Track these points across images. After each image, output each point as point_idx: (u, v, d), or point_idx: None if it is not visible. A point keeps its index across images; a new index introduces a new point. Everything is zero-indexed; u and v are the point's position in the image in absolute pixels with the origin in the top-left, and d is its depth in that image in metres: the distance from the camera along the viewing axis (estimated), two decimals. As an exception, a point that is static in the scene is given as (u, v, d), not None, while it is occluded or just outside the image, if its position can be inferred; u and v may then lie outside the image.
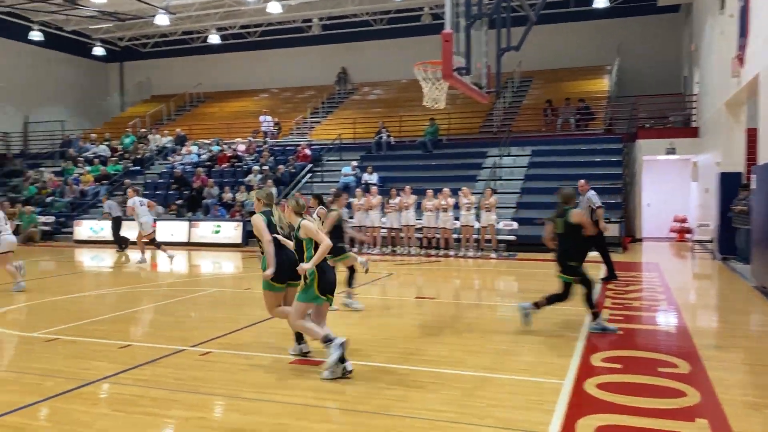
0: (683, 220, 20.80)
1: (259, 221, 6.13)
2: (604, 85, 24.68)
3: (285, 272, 6.06)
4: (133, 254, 16.47)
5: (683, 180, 21.10)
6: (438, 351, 6.63)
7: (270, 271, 6.01)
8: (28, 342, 7.08)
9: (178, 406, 4.96)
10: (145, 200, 15.65)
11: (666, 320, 8.35)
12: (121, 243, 17.93)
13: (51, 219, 21.97)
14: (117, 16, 27.21)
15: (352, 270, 8.95)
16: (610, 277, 11.36)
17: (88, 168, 25.06)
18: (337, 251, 8.24)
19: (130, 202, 15.29)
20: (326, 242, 5.68)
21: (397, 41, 28.52)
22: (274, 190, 20.50)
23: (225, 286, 12.32)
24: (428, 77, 8.59)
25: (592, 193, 11.49)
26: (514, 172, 20.03)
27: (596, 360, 6.26)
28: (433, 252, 16.48)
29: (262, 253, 6.15)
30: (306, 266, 5.66)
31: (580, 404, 4.96)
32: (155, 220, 16.61)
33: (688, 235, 20.02)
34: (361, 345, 6.88)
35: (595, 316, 7.54)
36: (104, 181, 23.99)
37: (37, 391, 5.29)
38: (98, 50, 31.46)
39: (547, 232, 7.79)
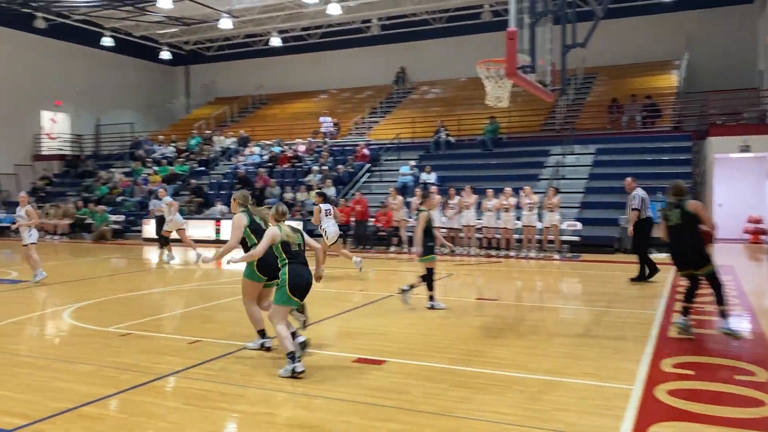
0: (758, 221, 19.84)
1: (241, 220, 6.62)
2: (672, 80, 23.83)
3: (269, 268, 6.38)
4: (181, 253, 16.95)
5: (758, 179, 20.14)
6: (500, 353, 6.57)
7: (239, 256, 6.43)
8: (104, 336, 7.41)
9: (246, 402, 5.10)
10: (175, 202, 16.43)
11: (741, 326, 8.00)
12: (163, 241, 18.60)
13: (121, 218, 22.91)
14: (183, 21, 28.11)
15: (431, 272, 8.98)
16: (640, 278, 11.31)
17: (156, 168, 26.00)
18: (427, 251, 8.61)
19: (152, 205, 16.21)
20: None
21: (456, 39, 28.36)
22: (332, 189, 20.76)
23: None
24: (491, 75, 8.52)
25: (636, 192, 11.40)
26: (577, 171, 19.61)
27: (666, 366, 6.06)
28: (493, 253, 16.31)
29: (249, 248, 6.57)
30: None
31: (652, 411, 4.83)
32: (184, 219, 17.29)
33: (763, 237, 19.11)
34: (423, 346, 6.90)
35: (724, 315, 7.17)
36: (175, 182, 24.82)
37: (113, 384, 5.54)
38: (165, 54, 32.59)
39: (662, 231, 7.54)
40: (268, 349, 6.60)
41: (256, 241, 6.46)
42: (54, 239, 22.18)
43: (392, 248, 17.30)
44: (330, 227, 12.17)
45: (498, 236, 16.41)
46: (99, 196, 24.57)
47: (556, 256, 15.51)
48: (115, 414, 4.90)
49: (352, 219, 17.89)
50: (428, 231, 8.84)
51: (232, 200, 6.94)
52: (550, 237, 15.90)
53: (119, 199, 24.31)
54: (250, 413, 4.87)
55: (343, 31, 30.45)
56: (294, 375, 5.63)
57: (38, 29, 27.23)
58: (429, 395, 5.19)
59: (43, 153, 30.01)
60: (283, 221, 6.16)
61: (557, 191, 16.12)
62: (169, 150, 27.84)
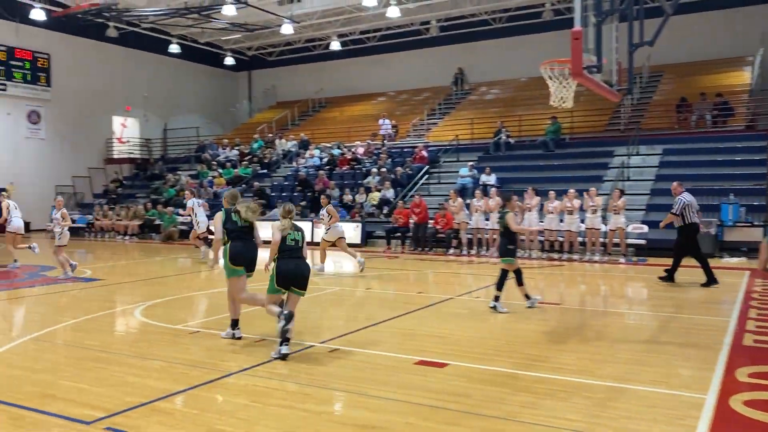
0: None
1: (217, 218, 7.20)
2: (744, 77, 22.81)
3: (240, 258, 7.07)
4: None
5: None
6: (565, 359, 6.45)
7: (211, 254, 7.58)
8: (174, 334, 7.68)
9: (311, 401, 5.19)
10: (202, 201, 17.16)
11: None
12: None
13: (188, 219, 23.60)
14: (246, 27, 28.83)
15: (505, 273, 9.00)
16: (709, 282, 11.10)
17: (220, 171, 26.74)
18: (507, 253, 8.74)
19: (189, 203, 16.46)
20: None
21: (516, 39, 28.04)
22: (391, 191, 20.84)
23: (346, 285, 12.68)
24: (555, 76, 8.38)
25: (681, 197, 11.40)
26: (643, 173, 19.02)
27: (742, 375, 5.82)
28: (555, 256, 16.01)
29: (225, 244, 7.12)
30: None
31: (727, 421, 4.65)
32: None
33: None
34: (485, 349, 6.85)
35: None
36: (240, 184, 25.48)
37: (184, 380, 5.74)
38: (229, 60, 33.52)
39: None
40: (239, 338, 7.19)
41: (227, 238, 7.12)
42: (125, 240, 23.10)
43: (451, 250, 17.21)
44: (333, 227, 13.23)
45: (561, 239, 16.10)
46: (167, 198, 25.44)
47: (622, 260, 15.10)
48: (187, 409, 5.07)
49: (412, 221, 17.90)
50: (508, 233, 8.89)
51: (223, 199, 7.57)
52: (616, 240, 15.49)
53: (185, 201, 25.10)
54: (316, 412, 4.95)
55: (401, 33, 30.57)
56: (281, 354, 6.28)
57: (110, 38, 28.48)
58: (492, 399, 5.16)
59: (114, 156, 31.35)
60: (290, 218, 6.71)
61: (622, 193, 15.69)
62: (233, 153, 28.59)
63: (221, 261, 7.35)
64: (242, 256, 7.08)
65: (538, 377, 5.81)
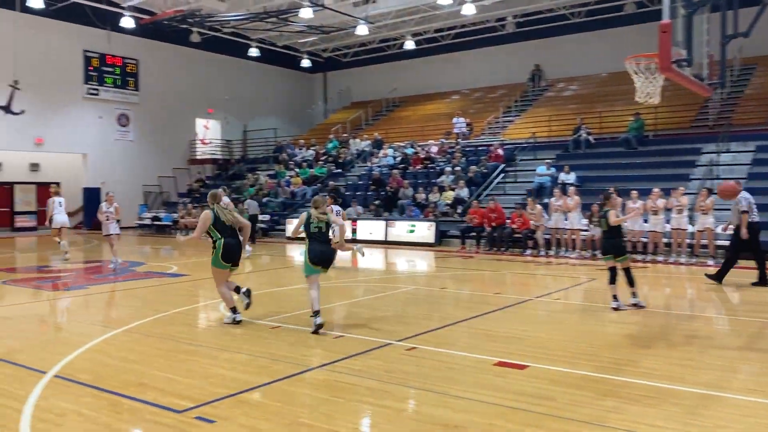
0: None
1: (205, 217, 7.98)
2: None
3: (232, 255, 7.98)
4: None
5: None
6: (651, 363, 6.23)
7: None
8: (256, 328, 7.93)
9: (391, 398, 5.24)
10: (230, 202, 17.72)
11: None
12: (254, 238, 20.50)
13: (266, 217, 24.31)
14: (322, 30, 29.35)
15: (612, 271, 9.13)
16: (761, 282, 10.87)
17: (297, 171, 27.35)
18: (619, 250, 8.98)
19: (223, 200, 17.06)
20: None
21: (596, 34, 27.29)
22: (465, 191, 20.70)
23: (420, 284, 12.70)
24: (641, 71, 8.08)
25: (742, 195, 11.15)
26: (734, 171, 18.03)
27: None
28: (638, 257, 15.44)
29: (213, 241, 7.98)
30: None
31: (833, 436, 4.36)
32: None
33: None
34: (567, 352, 6.70)
35: None
36: (314, 184, 25.99)
37: (267, 373, 5.91)
38: (305, 62, 34.25)
39: None
40: (239, 323, 8.02)
41: (219, 236, 7.94)
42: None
43: (528, 251, 16.91)
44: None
45: (644, 240, 15.50)
46: (247, 198, 26.22)
47: (710, 262, 14.38)
48: (271, 402, 5.21)
49: (487, 223, 17.68)
50: (617, 230, 9.02)
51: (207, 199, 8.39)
52: (704, 241, 14.78)
53: (265, 200, 25.83)
54: (397, 409, 4.99)
55: (476, 30, 30.30)
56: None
57: (193, 43, 29.69)
58: (576, 403, 5.04)
59: (198, 157, 32.63)
60: (318, 209, 7.78)
61: (710, 192, 14.95)
62: (309, 153, 29.17)
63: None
64: (233, 253, 8.01)
65: (623, 381, 5.63)
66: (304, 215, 7.80)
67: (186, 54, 30.83)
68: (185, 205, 26.47)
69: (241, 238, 8.19)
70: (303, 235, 7.84)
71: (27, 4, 24.20)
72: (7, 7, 24.82)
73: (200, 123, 33.14)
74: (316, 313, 7.47)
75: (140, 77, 29.83)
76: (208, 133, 33.65)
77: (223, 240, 7.90)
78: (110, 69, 28.79)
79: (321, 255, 7.71)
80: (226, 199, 17.37)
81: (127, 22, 26.55)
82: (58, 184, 21.57)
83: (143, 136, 29.97)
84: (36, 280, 12.74)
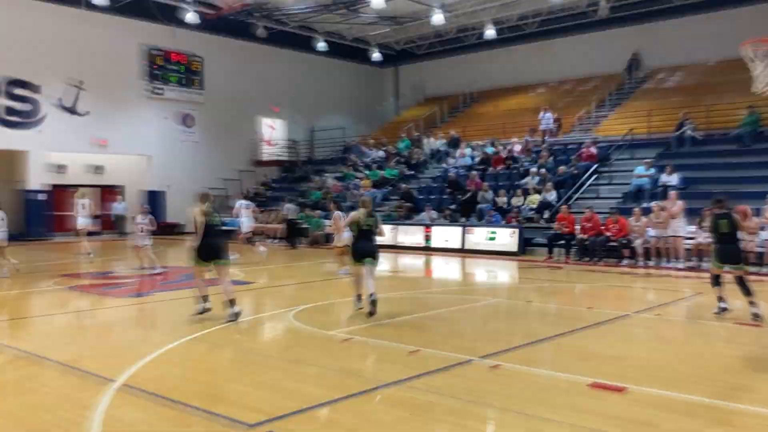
0: None
1: (197, 213, 9.08)
2: None
3: (210, 252, 9.13)
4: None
5: None
6: (772, 389, 5.96)
7: (188, 244, 9.75)
8: (326, 339, 8.10)
9: (474, 419, 5.24)
10: (251, 204, 19.73)
11: None
12: (294, 243, 22.41)
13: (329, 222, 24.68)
14: (395, 20, 29.61)
15: (715, 278, 9.41)
16: None
17: (366, 173, 27.65)
18: (738, 258, 9.24)
19: (237, 204, 18.82)
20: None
21: (704, 17, 26.33)
22: (553, 194, 20.34)
23: (502, 296, 12.59)
24: (759, 57, 7.75)
25: None
26: None
27: None
28: (753, 269, 14.73)
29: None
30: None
31: None
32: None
33: None
34: (671, 374, 6.51)
35: None
36: (385, 186, 26.22)
37: (339, 388, 6.03)
38: (375, 55, 34.58)
39: None
40: (237, 315, 8.98)
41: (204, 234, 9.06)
42: (274, 243, 24.55)
43: (625, 261, 16.43)
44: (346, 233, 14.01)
45: (761, 249, 14.78)
46: (313, 201, 26.74)
47: (840, 276, 13.59)
48: (346, 419, 5.32)
49: (578, 232, 17.26)
50: (732, 236, 9.18)
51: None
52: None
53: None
54: (479, 430, 4.99)
55: (565, 16, 29.76)
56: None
57: (259, 38, 30.56)
58: (683, 431, 4.89)
59: (263, 159, 33.53)
60: (366, 208, 9.46)
61: (842, 195, 14.13)
62: (379, 154, 29.43)
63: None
64: (212, 252, 9.17)
65: (739, 409, 5.43)
66: (356, 213, 9.38)
67: (251, 50, 31.73)
68: (266, 208, 26.86)
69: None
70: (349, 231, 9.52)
71: (91, 1, 25.52)
72: (70, 5, 26.13)
73: (265, 123, 34.03)
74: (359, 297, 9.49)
75: (205, 75, 30.95)
76: (274, 134, 34.48)
77: (204, 239, 9.09)
78: (175, 67, 30.01)
79: (364, 250, 9.34)
80: (242, 202, 19.16)
81: (192, 17, 27.55)
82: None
83: (208, 137, 31.04)
84: (101, 287, 13.45)
